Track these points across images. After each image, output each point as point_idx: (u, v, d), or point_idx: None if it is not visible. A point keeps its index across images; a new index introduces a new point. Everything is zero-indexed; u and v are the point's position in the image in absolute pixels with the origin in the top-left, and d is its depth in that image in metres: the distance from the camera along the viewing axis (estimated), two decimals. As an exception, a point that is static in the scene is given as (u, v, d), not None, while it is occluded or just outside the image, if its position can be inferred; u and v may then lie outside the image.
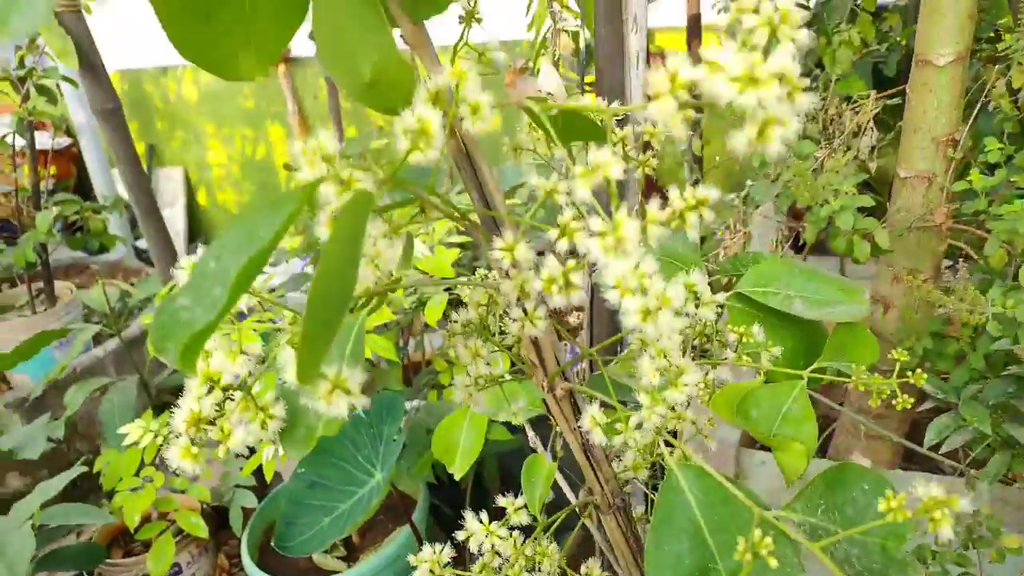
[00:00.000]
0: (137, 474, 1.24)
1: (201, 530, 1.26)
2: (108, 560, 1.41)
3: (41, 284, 2.52)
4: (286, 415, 0.39)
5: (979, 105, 1.12)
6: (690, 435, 0.60)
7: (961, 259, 1.07)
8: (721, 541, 0.39)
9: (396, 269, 0.42)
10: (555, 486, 0.60)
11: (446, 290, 1.12)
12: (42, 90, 2.16)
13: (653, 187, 1.63)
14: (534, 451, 0.66)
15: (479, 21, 0.42)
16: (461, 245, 1.39)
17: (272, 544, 1.09)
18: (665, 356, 0.40)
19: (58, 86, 2.68)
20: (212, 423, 0.36)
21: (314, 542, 1.06)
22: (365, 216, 0.31)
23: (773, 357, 0.51)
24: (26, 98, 2.15)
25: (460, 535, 0.44)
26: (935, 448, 0.90)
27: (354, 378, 0.34)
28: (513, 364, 0.56)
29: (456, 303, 1.52)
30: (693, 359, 0.50)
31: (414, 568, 0.47)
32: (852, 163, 1.15)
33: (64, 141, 3.46)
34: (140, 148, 3.58)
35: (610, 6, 0.87)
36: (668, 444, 0.43)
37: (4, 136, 2.29)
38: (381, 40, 0.37)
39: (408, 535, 1.23)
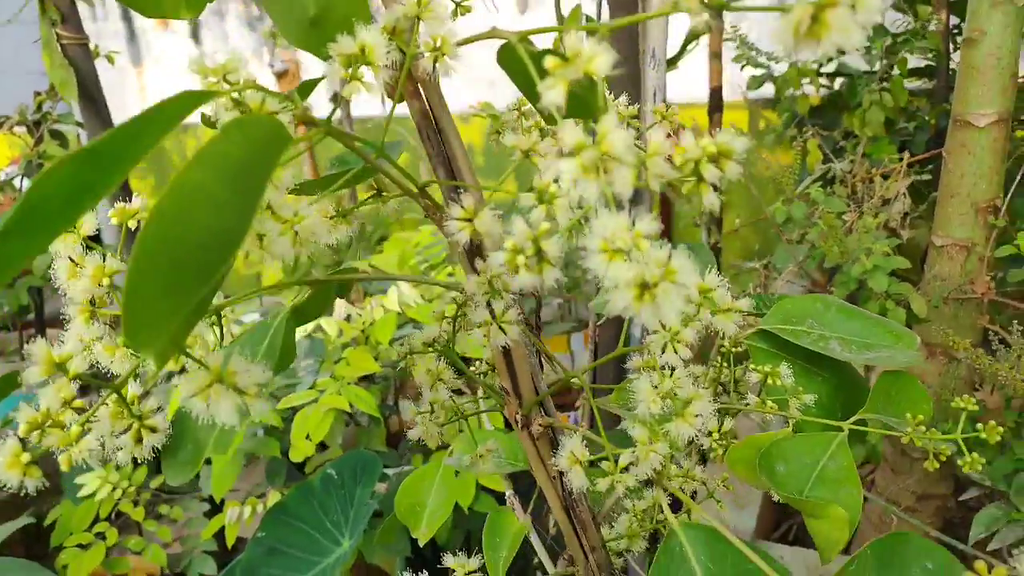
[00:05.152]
0: (89, 529, 1.14)
1: (153, 598, 1.13)
2: (50, 628, 1.28)
3: (33, 331, 2.46)
4: (172, 429, 0.30)
5: (1021, 174, 1.05)
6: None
7: (1006, 334, 0.97)
8: (739, 633, 0.29)
9: (346, 255, 0.34)
10: (529, 554, 0.49)
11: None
12: (55, 135, 2.15)
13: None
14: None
15: (465, 10, 0.35)
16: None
17: (226, 618, 0.96)
18: (670, 379, 0.31)
19: (77, 137, 2.69)
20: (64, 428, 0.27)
21: (271, 619, 0.94)
22: (271, 145, 0.23)
23: (804, 406, 0.42)
24: (39, 141, 2.15)
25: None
26: (981, 545, 0.78)
27: (250, 374, 0.25)
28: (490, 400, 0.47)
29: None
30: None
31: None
32: (882, 230, 1.08)
33: (79, 192, 3.47)
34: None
35: (627, 38, 0.81)
36: (674, 502, 0.33)
37: (11, 179, 2.28)
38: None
39: (381, 617, 1.09)
